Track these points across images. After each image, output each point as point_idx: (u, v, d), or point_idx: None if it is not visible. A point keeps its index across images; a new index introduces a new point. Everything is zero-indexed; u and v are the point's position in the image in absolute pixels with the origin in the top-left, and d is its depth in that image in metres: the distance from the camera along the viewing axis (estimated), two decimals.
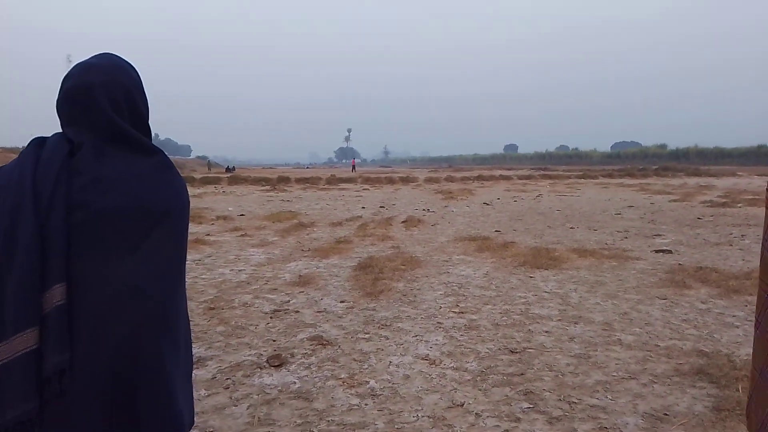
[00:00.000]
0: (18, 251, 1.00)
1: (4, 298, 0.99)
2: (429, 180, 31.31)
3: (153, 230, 1.09)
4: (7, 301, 0.98)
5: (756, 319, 1.28)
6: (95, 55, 1.20)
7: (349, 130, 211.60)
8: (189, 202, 1.22)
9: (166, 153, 1.21)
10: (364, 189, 25.29)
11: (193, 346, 3.74)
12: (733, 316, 4.44)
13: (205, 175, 33.27)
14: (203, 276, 6.04)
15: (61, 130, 1.16)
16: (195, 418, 2.62)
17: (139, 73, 1.24)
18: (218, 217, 11.97)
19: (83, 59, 1.19)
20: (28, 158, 1.08)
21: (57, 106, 1.16)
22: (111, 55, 1.21)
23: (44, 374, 0.98)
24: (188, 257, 5.96)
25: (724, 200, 15.86)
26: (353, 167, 61.21)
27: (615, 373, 3.29)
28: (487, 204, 16.18)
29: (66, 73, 1.17)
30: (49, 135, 1.14)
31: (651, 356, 3.57)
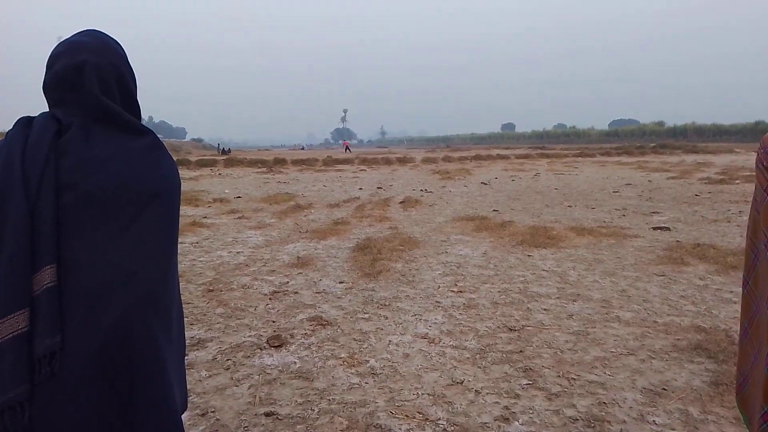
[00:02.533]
0: (7, 233, 0.98)
1: None
2: (426, 160, 31.22)
3: (143, 211, 1.07)
4: None
5: (744, 278, 1.29)
6: (81, 33, 1.17)
7: (345, 111, 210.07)
8: (180, 183, 1.20)
9: (156, 134, 1.19)
10: (361, 170, 25.22)
11: (193, 328, 3.76)
12: (731, 291, 4.46)
13: (201, 157, 33.07)
14: (201, 258, 6.03)
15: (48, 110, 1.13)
16: (189, 401, 2.60)
17: (123, 48, 1.21)
18: (215, 200, 11.93)
19: (69, 37, 1.16)
20: (16, 139, 1.06)
21: (44, 86, 1.14)
22: (97, 32, 1.18)
23: (34, 356, 0.97)
24: (186, 240, 5.94)
25: (721, 177, 15.87)
26: (346, 148, 57.51)
27: (613, 350, 3.31)
28: (485, 184, 16.16)
29: (52, 52, 1.14)
30: (36, 115, 1.12)
31: (649, 332, 3.59)
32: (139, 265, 1.06)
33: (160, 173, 1.12)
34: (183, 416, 1.21)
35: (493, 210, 9.93)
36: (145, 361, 1.07)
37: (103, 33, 1.19)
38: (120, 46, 1.20)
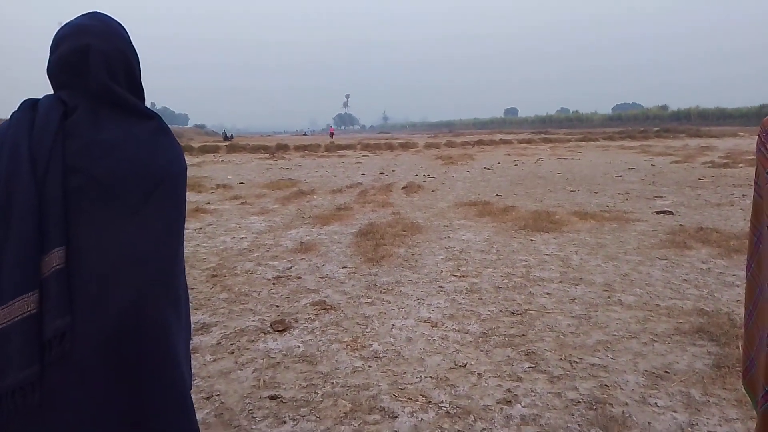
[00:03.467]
0: (15, 216, 0.98)
1: (1, 263, 0.98)
2: (429, 146, 31.12)
3: (151, 195, 1.07)
4: (6, 265, 0.97)
5: (747, 262, 1.30)
6: (85, 15, 1.17)
7: (347, 96, 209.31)
8: (186, 167, 1.20)
9: (161, 118, 1.19)
10: (363, 155, 25.16)
11: (197, 312, 3.79)
12: (734, 275, 4.46)
13: (204, 143, 33.03)
14: (205, 244, 6.05)
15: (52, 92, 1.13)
16: (194, 385, 2.62)
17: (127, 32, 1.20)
18: (218, 186, 11.94)
19: (73, 19, 1.16)
20: (22, 121, 1.05)
21: (49, 70, 1.13)
22: (101, 14, 1.18)
23: (44, 337, 0.98)
24: (189, 226, 5.96)
25: (725, 161, 15.80)
26: (331, 135, 55.70)
27: (615, 333, 3.32)
28: (488, 169, 16.11)
29: (57, 35, 1.13)
30: (41, 97, 1.12)
31: (651, 316, 3.60)
32: (148, 248, 1.07)
33: (168, 157, 1.12)
34: None
35: (496, 195, 9.92)
36: (156, 344, 1.08)
37: (107, 16, 1.18)
38: (124, 29, 1.19)
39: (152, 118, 1.15)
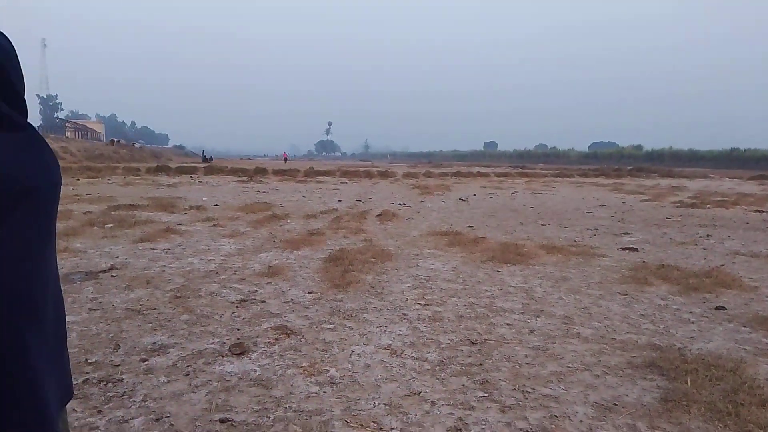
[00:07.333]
0: None
1: None
2: (407, 175, 31.39)
3: (15, 209, 1.00)
4: None
5: None
6: None
7: (329, 123, 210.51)
8: (61, 179, 1.14)
9: (36, 128, 1.14)
10: (342, 182, 25.26)
11: (156, 333, 3.76)
12: (690, 312, 4.57)
13: (182, 164, 32.81)
14: (172, 265, 6.00)
15: None
16: (144, 406, 2.57)
17: (13, 45, 1.15)
18: (191, 207, 11.86)
19: None
20: None
21: None
22: None
23: None
24: (158, 246, 5.94)
25: (693, 201, 16.24)
26: (285, 160, 62.06)
27: (570, 365, 3.38)
28: (463, 200, 16.30)
29: None
30: None
31: (606, 349, 3.67)
32: (7, 266, 1.01)
33: (36, 169, 1.07)
34: (69, 405, 1.17)
35: (468, 226, 10.03)
36: (9, 358, 1.00)
37: None
38: (8, 41, 1.15)
39: (24, 128, 1.08)
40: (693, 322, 4.30)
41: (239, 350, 3.50)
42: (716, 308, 4.67)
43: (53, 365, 1.13)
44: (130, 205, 11.82)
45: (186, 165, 32.32)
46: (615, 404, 2.85)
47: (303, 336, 3.83)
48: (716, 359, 3.36)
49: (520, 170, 41.01)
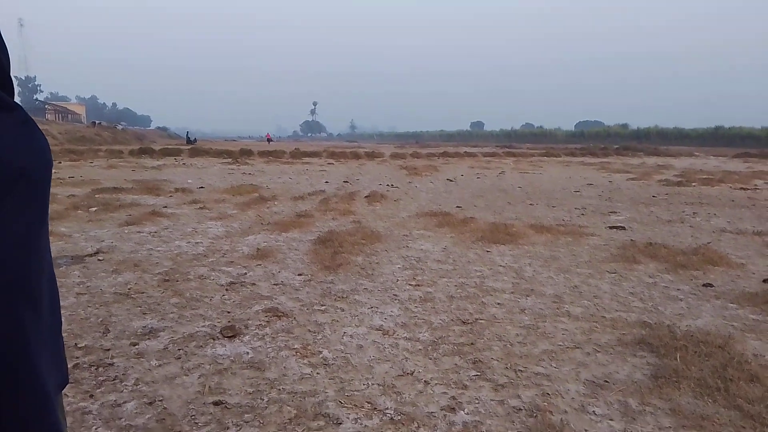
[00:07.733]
0: None
1: None
2: (395, 156, 31.29)
3: (11, 191, 0.98)
4: None
5: None
6: None
7: (314, 104, 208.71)
8: (52, 161, 1.11)
9: (25, 109, 1.11)
10: (328, 163, 25.12)
11: (146, 317, 3.73)
12: (678, 289, 4.62)
13: (165, 146, 32.44)
14: (159, 248, 5.94)
15: None
16: (137, 390, 2.56)
17: None
18: (177, 190, 11.74)
19: None
20: None
21: None
22: None
23: None
24: (144, 229, 5.88)
25: (679, 179, 16.37)
26: (269, 141, 65.99)
27: (561, 343, 3.40)
28: (451, 180, 16.30)
29: None
30: None
31: (596, 327, 3.70)
32: (5, 247, 0.98)
33: (29, 151, 1.03)
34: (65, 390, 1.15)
35: (457, 206, 10.04)
36: (9, 346, 1.00)
37: None
38: None
39: (13, 108, 1.05)
40: (681, 300, 4.35)
41: (231, 333, 3.48)
42: (704, 285, 4.73)
43: (50, 351, 1.11)
44: (115, 188, 11.67)
45: (170, 147, 31.94)
46: (606, 381, 2.88)
47: (295, 318, 3.82)
48: (705, 336, 3.41)
49: (507, 150, 41.07)
